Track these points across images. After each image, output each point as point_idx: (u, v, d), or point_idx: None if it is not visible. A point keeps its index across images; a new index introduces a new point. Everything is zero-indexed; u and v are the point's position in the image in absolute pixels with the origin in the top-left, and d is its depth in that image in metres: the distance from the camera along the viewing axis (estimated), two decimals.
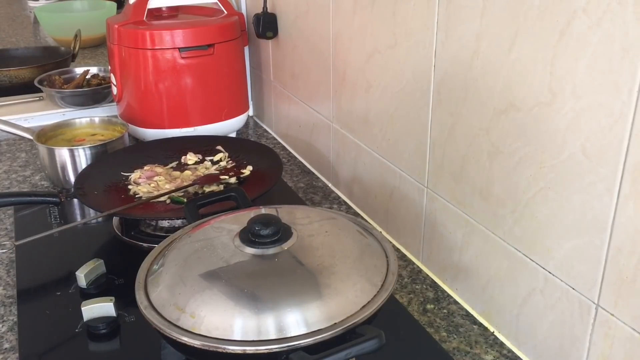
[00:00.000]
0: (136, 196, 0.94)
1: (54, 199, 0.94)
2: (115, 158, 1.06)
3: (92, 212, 0.96)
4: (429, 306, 0.79)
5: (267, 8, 1.22)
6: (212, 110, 1.23)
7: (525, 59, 0.62)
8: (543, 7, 0.59)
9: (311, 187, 1.12)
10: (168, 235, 0.70)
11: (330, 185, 1.12)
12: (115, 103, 1.30)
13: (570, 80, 0.57)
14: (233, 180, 0.97)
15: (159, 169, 1.01)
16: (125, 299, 0.74)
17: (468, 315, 0.77)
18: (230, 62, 1.24)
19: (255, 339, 0.53)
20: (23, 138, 1.18)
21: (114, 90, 1.26)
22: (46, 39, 2.26)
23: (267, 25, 1.23)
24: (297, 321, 0.53)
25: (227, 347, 0.52)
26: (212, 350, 0.53)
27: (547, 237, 0.64)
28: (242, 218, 0.67)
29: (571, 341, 0.63)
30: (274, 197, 1.02)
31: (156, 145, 1.12)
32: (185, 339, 0.53)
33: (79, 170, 1.04)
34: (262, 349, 0.52)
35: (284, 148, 1.30)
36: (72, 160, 1.07)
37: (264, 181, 0.96)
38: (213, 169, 1.02)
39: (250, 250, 0.61)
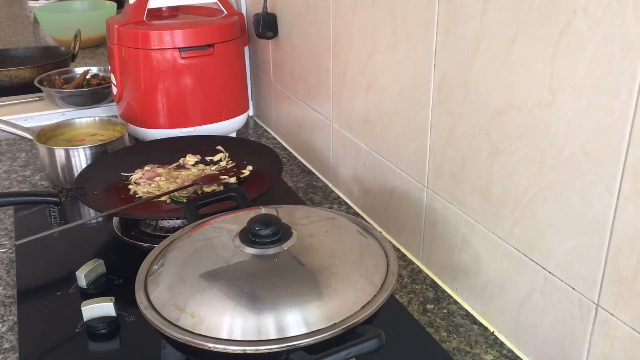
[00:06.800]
0: (136, 196, 0.94)
1: (54, 199, 0.94)
2: (115, 158, 1.06)
3: (92, 212, 0.96)
4: (429, 306, 0.79)
5: (267, 8, 1.22)
6: (212, 110, 1.23)
7: (525, 59, 0.62)
8: (543, 7, 0.59)
9: (311, 187, 1.12)
10: (168, 235, 0.70)
11: (330, 185, 1.12)
12: (115, 103, 1.30)
13: (570, 80, 0.57)
14: (233, 180, 0.97)
15: (160, 170, 1.01)
16: (125, 299, 0.74)
17: (468, 315, 0.77)
18: (230, 62, 1.24)
19: (255, 339, 0.53)
20: (23, 138, 1.18)
21: (114, 90, 1.26)
22: (46, 39, 2.26)
23: (267, 25, 1.23)
24: (297, 321, 0.53)
25: (227, 347, 0.52)
26: (212, 350, 0.53)
27: (547, 237, 0.64)
28: (242, 218, 0.67)
29: (571, 341, 0.63)
30: (274, 197, 1.01)
31: (156, 145, 1.12)
32: (186, 339, 0.53)
33: (79, 170, 1.04)
34: (262, 349, 0.52)
35: (284, 148, 1.30)
36: (72, 160, 1.07)
37: (264, 181, 0.96)
38: (213, 169, 1.02)
39: (250, 250, 0.61)
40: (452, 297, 0.81)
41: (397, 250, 0.92)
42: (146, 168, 1.02)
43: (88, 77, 1.51)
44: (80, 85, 1.48)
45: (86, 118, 1.20)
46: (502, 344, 0.72)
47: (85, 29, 1.86)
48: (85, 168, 1.02)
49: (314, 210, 0.76)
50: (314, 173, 1.18)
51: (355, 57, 0.95)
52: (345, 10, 0.95)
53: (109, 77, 1.32)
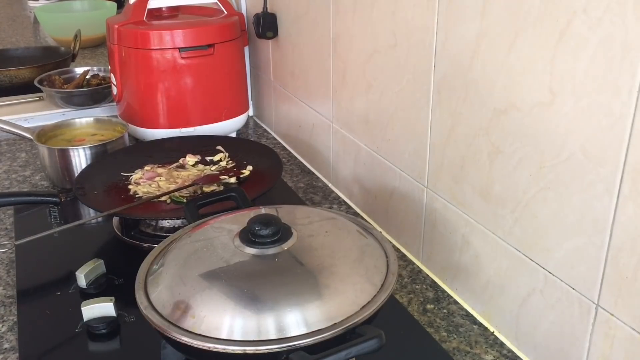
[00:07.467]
0: (136, 196, 0.94)
1: (54, 199, 0.94)
2: (115, 158, 1.06)
3: (92, 212, 0.96)
4: (429, 306, 0.79)
5: (267, 8, 1.22)
6: (212, 110, 1.23)
7: (525, 59, 0.62)
8: (543, 8, 0.59)
9: (311, 187, 1.12)
10: (168, 235, 0.70)
11: (330, 185, 1.12)
12: (115, 103, 1.30)
13: (570, 80, 0.57)
14: (233, 180, 0.97)
15: (160, 170, 1.01)
16: (125, 299, 0.74)
17: (468, 315, 0.77)
18: (230, 62, 1.24)
19: (255, 339, 0.53)
20: (23, 138, 1.18)
21: (114, 90, 1.26)
22: (46, 39, 2.26)
23: (267, 25, 1.23)
24: (297, 321, 0.53)
25: (227, 347, 0.52)
26: (212, 350, 0.53)
27: (547, 237, 0.64)
28: (242, 218, 0.67)
29: (571, 341, 0.63)
30: (274, 197, 1.02)
31: (156, 145, 1.12)
32: (186, 339, 0.53)
33: (79, 170, 1.04)
34: (262, 349, 0.52)
35: (284, 148, 1.30)
36: (72, 160, 1.07)
37: (264, 181, 0.96)
38: (213, 169, 1.02)
39: (250, 250, 0.61)
40: (452, 297, 0.81)
41: (397, 250, 0.92)
42: (146, 168, 1.02)
43: (88, 77, 1.51)
44: (80, 85, 1.48)
45: (86, 118, 1.20)
46: (502, 344, 0.72)
47: (85, 29, 1.86)
48: (85, 168, 1.02)
49: (314, 210, 0.76)
50: (314, 173, 1.18)
51: (355, 57, 0.95)
52: (345, 10, 0.95)
53: (109, 77, 1.32)
